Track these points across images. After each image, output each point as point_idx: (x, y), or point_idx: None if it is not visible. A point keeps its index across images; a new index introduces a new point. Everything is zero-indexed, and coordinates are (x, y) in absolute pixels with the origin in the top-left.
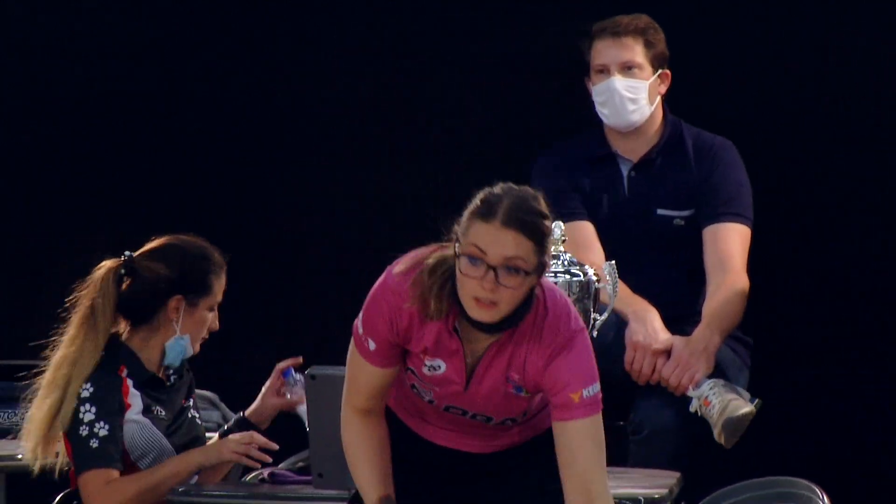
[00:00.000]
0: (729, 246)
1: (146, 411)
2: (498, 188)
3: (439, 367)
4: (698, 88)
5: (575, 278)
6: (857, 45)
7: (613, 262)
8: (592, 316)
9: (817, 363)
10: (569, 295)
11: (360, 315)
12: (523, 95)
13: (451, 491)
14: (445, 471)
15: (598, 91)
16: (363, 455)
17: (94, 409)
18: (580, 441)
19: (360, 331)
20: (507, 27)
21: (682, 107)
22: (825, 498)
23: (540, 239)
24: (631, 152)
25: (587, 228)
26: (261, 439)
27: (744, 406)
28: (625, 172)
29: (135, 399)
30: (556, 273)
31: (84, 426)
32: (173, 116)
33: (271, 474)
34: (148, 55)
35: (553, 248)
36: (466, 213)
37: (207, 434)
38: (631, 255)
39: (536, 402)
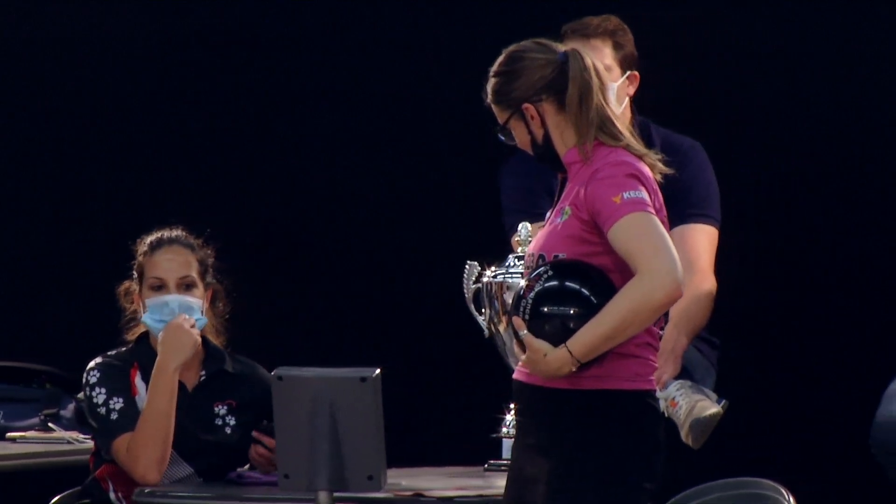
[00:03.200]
0: (696, 247)
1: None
2: None
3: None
4: (667, 89)
5: None
6: (826, 44)
7: None
8: None
9: (784, 364)
10: None
11: None
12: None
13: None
14: None
15: None
16: None
17: (103, 390)
18: (634, 234)
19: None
20: (478, 27)
21: (650, 108)
22: (791, 499)
23: (497, 97)
24: None
25: None
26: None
27: (711, 407)
28: None
29: (140, 388)
30: (521, 274)
31: (100, 407)
32: (175, 115)
33: (238, 475)
34: (148, 54)
35: (520, 248)
36: None
37: None
38: None
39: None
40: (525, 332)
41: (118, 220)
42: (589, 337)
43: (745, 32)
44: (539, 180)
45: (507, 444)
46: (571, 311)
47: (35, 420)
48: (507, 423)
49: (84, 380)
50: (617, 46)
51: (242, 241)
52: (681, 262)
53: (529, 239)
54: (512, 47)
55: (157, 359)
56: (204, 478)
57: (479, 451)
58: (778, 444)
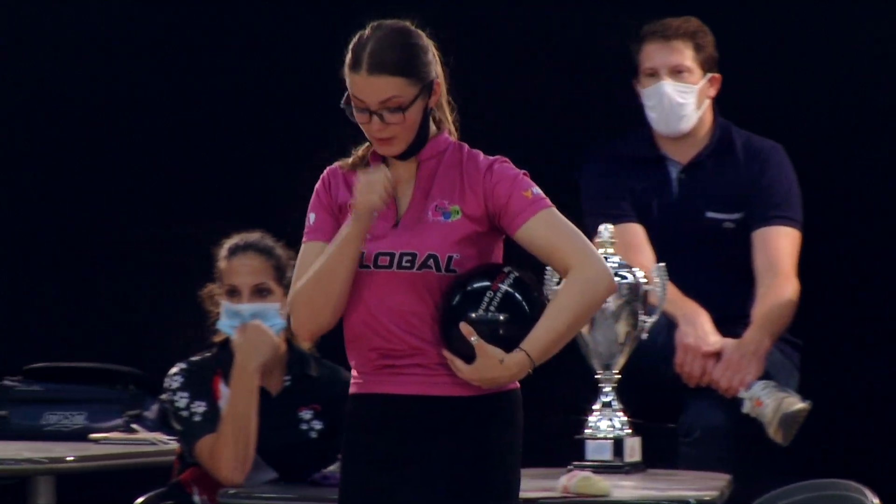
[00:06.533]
0: (779, 249)
1: None
2: (368, 30)
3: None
4: (749, 91)
5: (624, 280)
6: None
7: (663, 264)
8: (641, 318)
9: (867, 365)
10: (618, 297)
11: None
12: (571, 94)
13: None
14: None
15: (648, 94)
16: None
17: (186, 394)
18: (554, 227)
19: (308, 218)
20: (553, 26)
21: (733, 110)
22: (875, 499)
23: (408, 70)
24: (680, 155)
25: (637, 231)
26: None
27: (798, 402)
28: (674, 175)
29: (224, 392)
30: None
31: (183, 410)
32: (171, 115)
33: (322, 476)
34: (145, 54)
35: (602, 250)
36: (345, 65)
37: None
38: (681, 257)
39: (456, 249)
40: (476, 338)
41: (205, 225)
42: (544, 338)
43: (832, 33)
44: (618, 182)
45: (591, 446)
46: (501, 318)
47: (118, 421)
48: (591, 423)
49: (166, 384)
50: (697, 48)
51: None
52: (764, 264)
53: (611, 240)
54: (391, 23)
55: (236, 360)
56: (288, 481)
57: (563, 453)
58: (862, 444)
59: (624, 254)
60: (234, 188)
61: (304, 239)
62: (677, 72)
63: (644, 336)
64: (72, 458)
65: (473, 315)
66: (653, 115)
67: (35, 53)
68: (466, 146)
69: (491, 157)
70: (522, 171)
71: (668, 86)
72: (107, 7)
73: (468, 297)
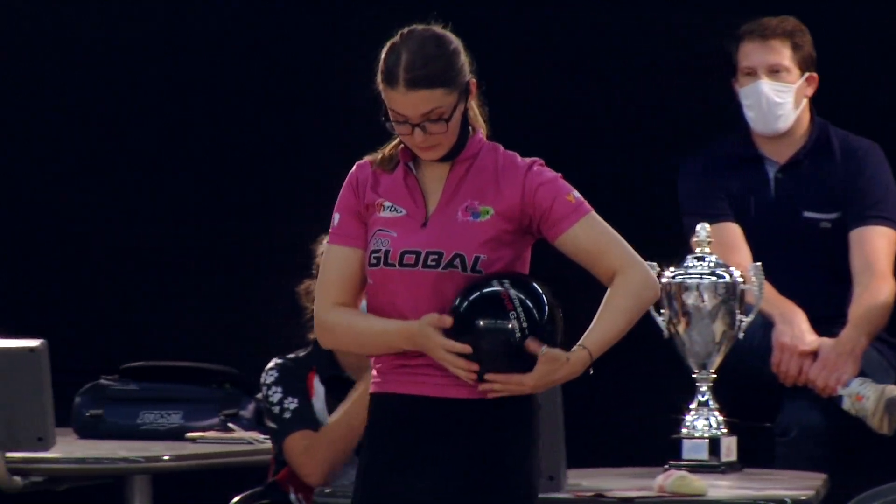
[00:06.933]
0: (876, 249)
1: (326, 404)
2: (398, 38)
3: (399, 210)
4: (846, 91)
5: (720, 280)
6: None
7: (759, 263)
8: (738, 317)
9: None
10: (714, 296)
11: None
12: (668, 95)
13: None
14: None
15: (745, 94)
16: (363, 318)
17: (280, 389)
18: (599, 231)
19: (333, 217)
20: (651, 25)
21: (830, 109)
22: None
23: (447, 80)
24: (777, 154)
25: (734, 230)
26: None
27: None
28: (771, 174)
29: (318, 390)
30: (701, 275)
31: (275, 406)
32: (171, 115)
33: None
34: (145, 54)
35: (699, 249)
36: (378, 77)
37: None
38: (778, 257)
39: (486, 250)
40: (545, 347)
41: (204, 225)
42: (604, 336)
43: None
44: (715, 181)
45: (687, 445)
46: (512, 325)
47: (215, 420)
48: (688, 423)
49: (262, 380)
50: (795, 47)
51: None
52: (860, 264)
53: (708, 240)
54: (421, 30)
55: (358, 391)
56: None
57: (659, 452)
58: None
59: (721, 253)
60: (234, 188)
61: (328, 239)
62: (775, 71)
63: (741, 335)
64: (168, 458)
65: (482, 323)
66: (750, 115)
67: (35, 53)
68: (501, 147)
69: (528, 159)
70: (558, 173)
71: (766, 85)
72: (107, 7)
73: (489, 314)
